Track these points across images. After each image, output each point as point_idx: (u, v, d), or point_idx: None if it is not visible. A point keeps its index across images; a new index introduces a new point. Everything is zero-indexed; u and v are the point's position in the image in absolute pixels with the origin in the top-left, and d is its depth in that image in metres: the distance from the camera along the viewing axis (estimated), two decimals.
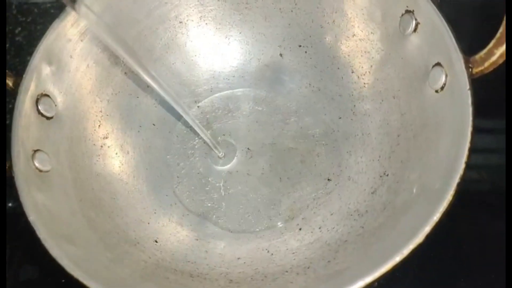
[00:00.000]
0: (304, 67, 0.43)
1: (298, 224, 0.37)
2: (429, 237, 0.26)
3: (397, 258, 0.24)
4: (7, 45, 0.63)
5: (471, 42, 0.32)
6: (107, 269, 0.29)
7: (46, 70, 0.34)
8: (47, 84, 0.34)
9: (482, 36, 0.30)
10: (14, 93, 0.33)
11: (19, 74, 0.60)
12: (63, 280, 0.41)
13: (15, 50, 0.62)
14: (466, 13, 0.43)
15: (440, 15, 0.32)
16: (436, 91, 0.32)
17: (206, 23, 0.43)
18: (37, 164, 0.32)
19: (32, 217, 0.28)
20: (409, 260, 0.37)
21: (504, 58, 0.29)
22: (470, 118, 0.28)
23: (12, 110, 0.49)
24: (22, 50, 0.62)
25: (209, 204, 0.39)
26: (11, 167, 0.30)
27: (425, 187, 0.30)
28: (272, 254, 0.35)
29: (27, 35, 0.63)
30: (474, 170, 0.42)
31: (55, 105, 0.35)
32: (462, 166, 0.27)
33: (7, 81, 0.32)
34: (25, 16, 0.65)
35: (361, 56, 0.40)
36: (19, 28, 0.64)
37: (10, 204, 0.49)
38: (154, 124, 0.42)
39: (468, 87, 0.29)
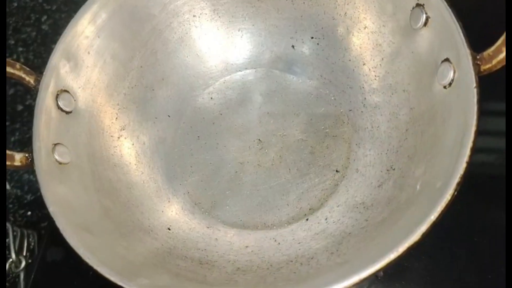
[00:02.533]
0: (316, 59, 0.43)
1: (305, 215, 0.38)
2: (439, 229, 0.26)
3: (392, 256, 0.25)
4: (34, 33, 0.66)
5: (483, 37, 0.31)
6: (122, 257, 0.31)
7: (65, 66, 0.36)
8: (66, 80, 0.36)
9: (495, 32, 0.30)
10: (35, 90, 0.35)
11: (44, 63, 0.62)
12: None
13: (41, 38, 0.65)
14: (480, 7, 0.42)
15: (449, 9, 0.31)
16: (444, 87, 0.32)
17: (219, 16, 0.44)
18: (57, 157, 0.34)
19: (52, 208, 0.30)
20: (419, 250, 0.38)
21: None
22: (475, 117, 0.28)
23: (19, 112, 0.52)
24: (47, 38, 0.65)
25: (220, 194, 0.40)
26: (32, 161, 0.32)
27: (428, 184, 0.30)
28: (279, 243, 0.36)
29: (52, 24, 0.66)
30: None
31: (74, 100, 0.37)
32: (463, 166, 0.27)
33: (28, 78, 0.34)
34: (50, 5, 0.67)
35: (373, 48, 0.40)
36: (45, 17, 0.66)
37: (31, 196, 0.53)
38: (169, 116, 0.44)
39: (474, 85, 0.29)
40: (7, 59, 0.34)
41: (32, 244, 0.49)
